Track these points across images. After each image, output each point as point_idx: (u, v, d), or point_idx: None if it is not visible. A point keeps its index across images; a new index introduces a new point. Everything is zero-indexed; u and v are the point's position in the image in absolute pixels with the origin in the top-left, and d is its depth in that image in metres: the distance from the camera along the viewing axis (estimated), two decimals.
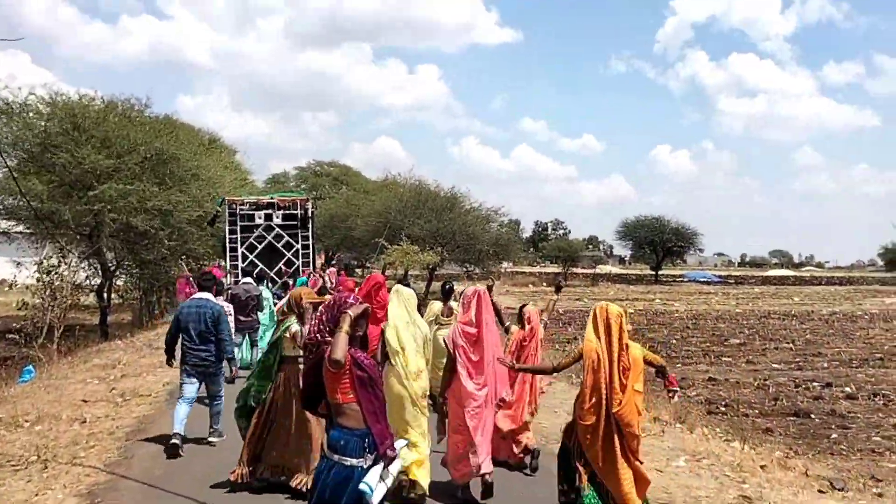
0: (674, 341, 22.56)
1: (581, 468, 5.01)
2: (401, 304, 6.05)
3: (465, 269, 43.09)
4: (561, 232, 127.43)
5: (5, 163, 17.03)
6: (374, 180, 52.60)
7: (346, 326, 3.92)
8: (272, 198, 20.06)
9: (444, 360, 6.29)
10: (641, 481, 5.03)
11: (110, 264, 19.93)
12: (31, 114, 17.99)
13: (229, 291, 11.47)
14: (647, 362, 5.17)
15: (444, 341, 6.17)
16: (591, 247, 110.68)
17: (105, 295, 19.81)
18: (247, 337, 11.77)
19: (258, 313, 11.90)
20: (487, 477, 5.96)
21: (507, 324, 7.28)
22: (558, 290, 9.54)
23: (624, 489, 4.88)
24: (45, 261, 16.41)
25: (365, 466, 3.93)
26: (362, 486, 3.87)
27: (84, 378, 11.70)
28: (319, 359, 4.06)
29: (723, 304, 40.54)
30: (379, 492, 3.93)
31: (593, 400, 4.94)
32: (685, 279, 75.10)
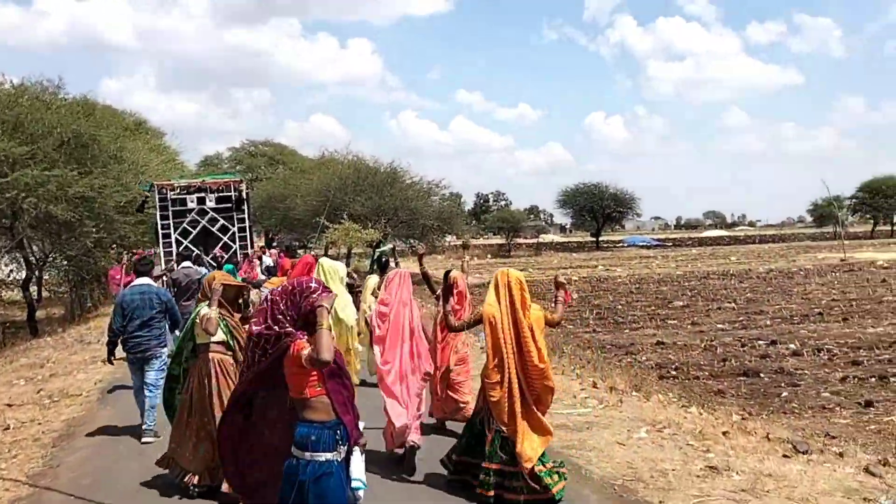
0: (619, 307, 22.68)
1: (489, 425, 5.36)
2: (322, 275, 6.47)
3: (408, 245, 42.73)
4: (502, 203, 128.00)
5: None
6: (310, 158, 51.38)
7: (326, 322, 3.60)
8: (204, 180, 19.51)
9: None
10: (543, 433, 5.32)
11: (34, 257, 18.68)
12: None
13: (170, 277, 11.29)
14: (548, 322, 5.54)
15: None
16: (532, 216, 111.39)
17: (32, 290, 18.62)
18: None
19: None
20: (411, 443, 6.07)
21: (437, 291, 7.31)
22: (465, 247, 10.20)
23: (526, 445, 5.17)
24: None
25: (339, 460, 3.71)
26: (356, 484, 3.76)
27: (9, 380, 10.91)
28: (280, 354, 3.69)
29: (663, 268, 41.21)
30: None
31: (496, 360, 5.29)
32: (625, 244, 76.44)
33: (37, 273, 18.61)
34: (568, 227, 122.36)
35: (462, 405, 7.23)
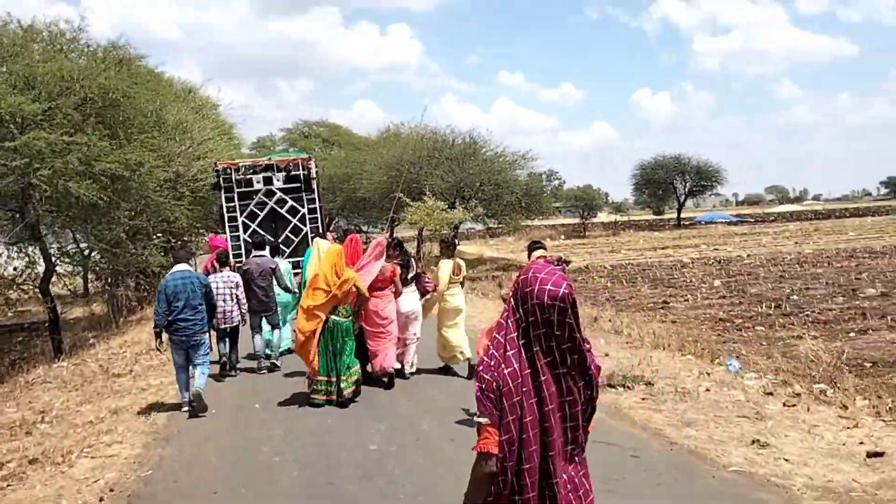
0: (795, 297, 17.72)
1: None
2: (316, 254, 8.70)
3: (485, 226, 38.12)
4: (556, 182, 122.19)
5: None
6: (368, 136, 47.00)
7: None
8: (270, 159, 18.14)
9: (457, 321, 9.09)
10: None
11: (53, 248, 14.52)
12: None
13: (241, 267, 10.51)
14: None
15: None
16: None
17: (58, 287, 14.66)
18: (263, 321, 10.23)
19: (275, 291, 10.39)
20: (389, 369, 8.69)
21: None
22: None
23: None
24: None
25: None
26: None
27: None
28: None
29: (781, 245, 35.78)
30: None
31: None
32: (701, 222, 70.53)
33: (56, 268, 14.49)
34: (625, 205, 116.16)
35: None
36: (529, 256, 7.27)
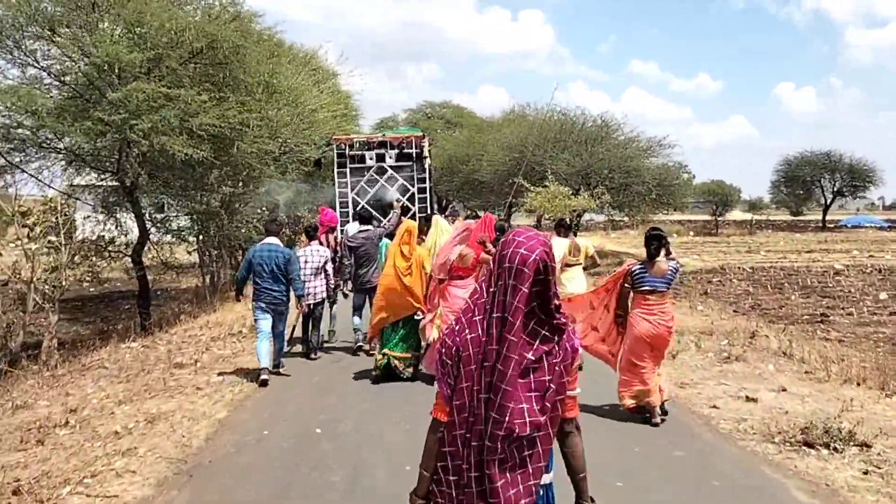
0: None
1: None
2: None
3: (608, 217, 35.60)
4: (685, 176, 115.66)
5: None
6: (492, 119, 45.05)
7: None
8: (384, 135, 18.18)
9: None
10: None
11: (149, 211, 13.62)
12: None
13: (345, 242, 10.10)
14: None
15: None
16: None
17: (151, 257, 13.83)
18: (367, 299, 9.61)
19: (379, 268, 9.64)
20: None
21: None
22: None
23: None
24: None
25: None
26: None
27: None
28: None
29: None
30: None
31: None
32: (847, 225, 64.09)
33: (151, 236, 13.62)
34: (761, 203, 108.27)
35: None
36: (647, 247, 6.40)
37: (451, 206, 39.10)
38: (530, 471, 2.49)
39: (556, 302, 2.46)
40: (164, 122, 11.13)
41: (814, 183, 59.59)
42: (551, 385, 2.47)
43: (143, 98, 10.92)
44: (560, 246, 8.64)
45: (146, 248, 13.53)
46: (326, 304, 9.77)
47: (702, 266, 28.56)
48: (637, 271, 6.36)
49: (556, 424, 2.55)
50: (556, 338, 2.47)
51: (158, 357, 8.92)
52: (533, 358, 2.42)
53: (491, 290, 2.48)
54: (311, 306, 9.09)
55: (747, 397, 6.90)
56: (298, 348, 9.57)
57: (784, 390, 7.25)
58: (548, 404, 2.47)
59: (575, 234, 10.15)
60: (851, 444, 5.25)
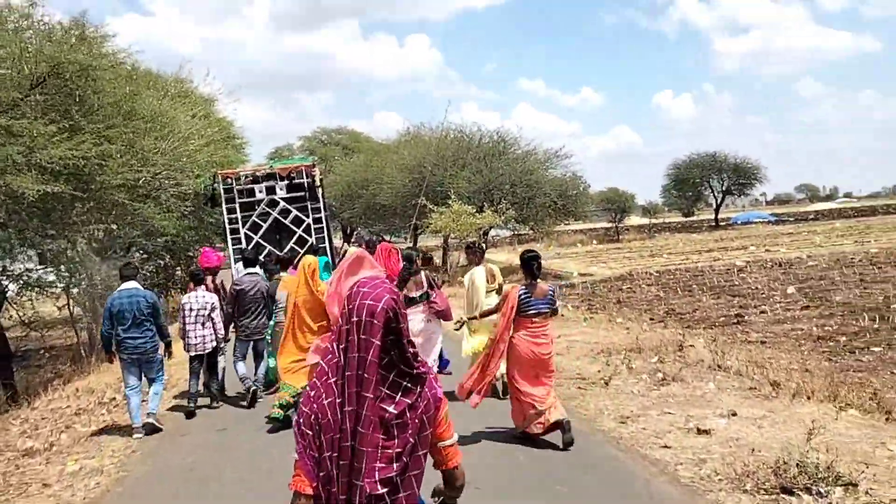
0: None
1: None
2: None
3: (514, 232, 35.22)
4: (581, 187, 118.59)
5: None
6: (388, 142, 44.13)
7: None
8: (272, 167, 17.09)
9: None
10: None
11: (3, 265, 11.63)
12: None
13: (232, 286, 9.27)
14: None
15: None
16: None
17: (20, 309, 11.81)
18: (251, 348, 9.12)
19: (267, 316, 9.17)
20: None
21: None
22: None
23: None
24: None
25: None
26: None
27: None
28: None
29: (839, 245, 32.46)
30: None
31: None
32: (737, 222, 66.91)
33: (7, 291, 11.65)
34: (655, 207, 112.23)
35: None
36: (523, 267, 6.38)
37: (355, 232, 37.81)
38: None
39: (412, 350, 2.32)
40: (7, 159, 9.45)
41: (702, 184, 61.76)
42: (411, 440, 2.32)
43: None
44: (480, 275, 8.29)
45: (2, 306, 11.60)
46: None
47: (610, 274, 28.45)
48: (522, 296, 6.17)
49: (420, 482, 2.39)
50: (418, 388, 2.33)
51: (7, 442, 7.26)
52: (395, 412, 2.29)
53: (341, 347, 2.31)
54: (201, 358, 8.50)
55: (698, 429, 6.01)
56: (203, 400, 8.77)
57: (734, 414, 6.42)
58: (406, 460, 2.33)
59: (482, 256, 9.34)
60: (836, 483, 4.39)
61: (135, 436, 7.30)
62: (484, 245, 9.90)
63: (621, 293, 22.00)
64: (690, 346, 10.70)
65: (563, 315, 16.13)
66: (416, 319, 7.76)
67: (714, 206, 64.25)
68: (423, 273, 8.19)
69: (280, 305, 8.57)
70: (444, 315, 8.12)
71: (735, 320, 15.46)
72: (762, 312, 16.19)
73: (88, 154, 10.47)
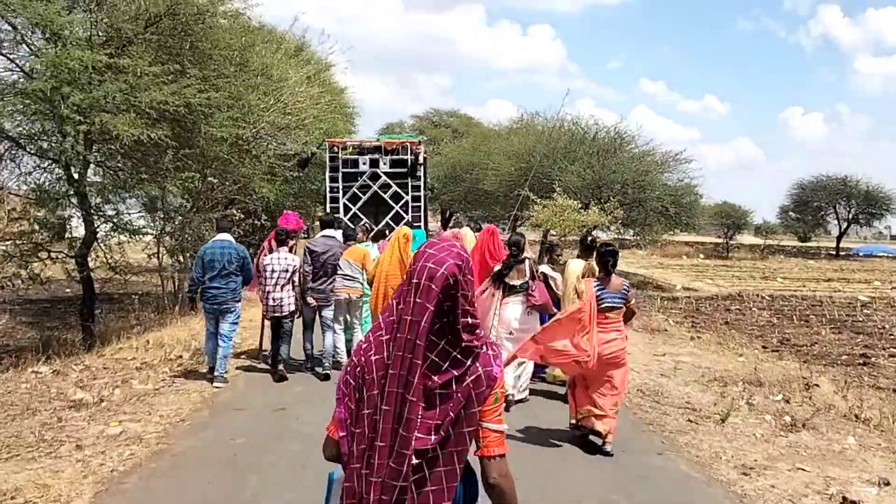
0: None
1: None
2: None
3: (617, 235, 33.59)
4: (692, 198, 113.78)
5: None
6: (496, 128, 43.02)
7: None
8: (378, 140, 17.68)
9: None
10: None
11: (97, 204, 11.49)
12: None
13: (307, 247, 8.76)
14: None
15: None
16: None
17: (95, 258, 11.70)
18: (318, 316, 8.58)
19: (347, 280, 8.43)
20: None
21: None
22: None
23: None
24: None
25: None
26: None
27: None
28: None
29: None
30: None
31: None
32: (859, 254, 62.01)
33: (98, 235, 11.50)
34: (769, 227, 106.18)
35: None
36: (598, 259, 6.32)
37: (454, 217, 37.15)
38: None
39: (469, 321, 2.21)
40: (107, 97, 9.17)
41: (826, 209, 57.54)
42: (451, 413, 2.19)
43: (81, 65, 8.95)
44: (577, 266, 7.85)
45: (92, 247, 11.49)
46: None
47: (717, 291, 26.74)
48: (596, 288, 6.06)
49: (462, 460, 2.24)
50: (468, 361, 2.20)
51: (60, 390, 6.88)
52: (439, 381, 2.18)
53: (399, 307, 2.20)
54: (278, 319, 8.30)
55: (844, 497, 4.87)
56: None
57: (888, 484, 5.22)
58: (444, 434, 2.18)
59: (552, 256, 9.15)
60: None
61: (215, 384, 7.69)
62: (593, 242, 8.89)
63: (729, 314, 20.56)
64: (815, 385, 9.37)
65: (665, 330, 14.99)
66: (515, 309, 7.34)
67: (836, 233, 59.70)
68: (528, 261, 7.49)
69: (342, 272, 8.29)
70: (542, 309, 7.40)
71: (860, 360, 13.96)
72: (892, 356, 14.55)
73: (192, 100, 10.11)
